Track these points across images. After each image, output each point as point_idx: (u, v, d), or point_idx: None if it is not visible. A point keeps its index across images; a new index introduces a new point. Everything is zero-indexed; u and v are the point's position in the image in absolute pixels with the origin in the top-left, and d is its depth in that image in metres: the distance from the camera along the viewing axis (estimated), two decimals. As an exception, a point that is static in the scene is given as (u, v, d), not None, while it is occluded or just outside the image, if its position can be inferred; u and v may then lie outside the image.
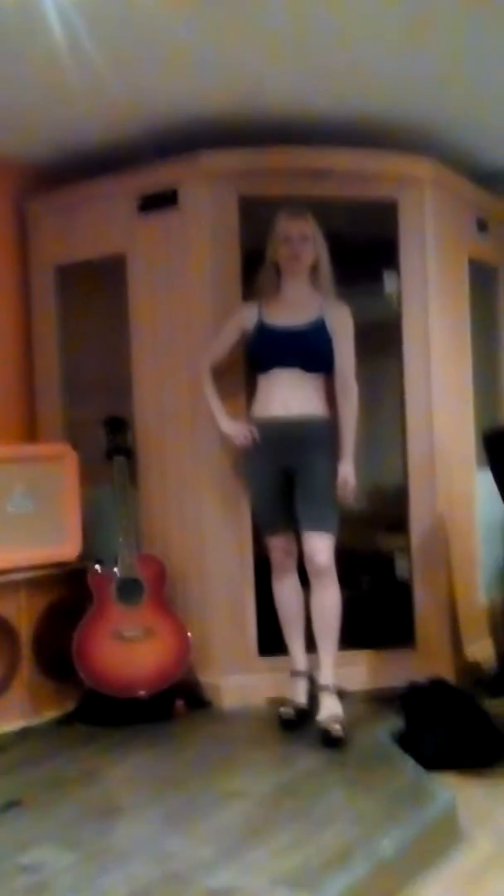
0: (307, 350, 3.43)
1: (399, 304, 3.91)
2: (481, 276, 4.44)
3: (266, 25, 3.04)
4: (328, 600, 3.37)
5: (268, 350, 3.47)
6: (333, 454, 3.41)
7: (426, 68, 3.40)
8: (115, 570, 3.64)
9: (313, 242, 3.46)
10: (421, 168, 3.91)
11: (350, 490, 3.38)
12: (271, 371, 3.46)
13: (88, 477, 3.82)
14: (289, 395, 3.43)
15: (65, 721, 3.58)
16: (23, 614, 3.56)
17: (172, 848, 2.42)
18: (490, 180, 4.49)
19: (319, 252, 3.48)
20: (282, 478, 3.46)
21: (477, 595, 4.27)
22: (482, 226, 4.45)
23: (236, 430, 3.53)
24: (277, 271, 3.53)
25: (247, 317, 3.54)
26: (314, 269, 3.50)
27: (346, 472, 3.38)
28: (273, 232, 3.49)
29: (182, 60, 3.26)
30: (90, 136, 3.90)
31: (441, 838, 2.61)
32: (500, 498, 3.60)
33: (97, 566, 3.66)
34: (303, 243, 3.44)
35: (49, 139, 3.94)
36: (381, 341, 4.00)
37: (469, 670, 4.03)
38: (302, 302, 3.49)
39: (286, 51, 3.23)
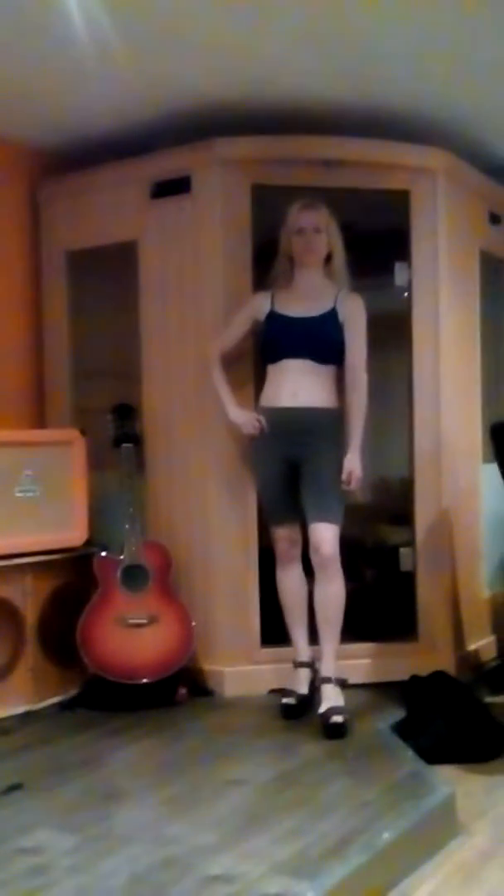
0: (318, 340, 3.42)
1: (409, 295, 3.91)
2: (493, 269, 4.43)
3: (282, 14, 3.03)
4: (332, 591, 3.36)
5: (279, 339, 3.46)
6: (341, 445, 3.40)
7: (441, 61, 3.38)
8: (121, 556, 3.65)
9: (327, 233, 3.45)
10: (434, 159, 3.89)
11: (355, 481, 3.38)
12: (281, 361, 3.45)
13: (96, 463, 3.83)
14: (298, 386, 3.42)
15: (68, 706, 3.59)
16: (28, 599, 3.57)
17: (173, 833, 2.42)
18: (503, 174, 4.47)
19: (334, 243, 3.47)
20: (288, 468, 3.45)
21: (480, 589, 4.27)
22: (495, 219, 4.44)
23: (244, 419, 3.53)
24: (291, 262, 3.52)
25: (259, 306, 3.53)
26: (328, 260, 3.49)
27: (353, 463, 3.37)
28: (287, 223, 3.48)
29: (197, 48, 3.25)
30: (104, 122, 3.88)
31: (439, 830, 2.62)
32: (505, 492, 3.60)
33: (103, 552, 3.68)
34: (316, 235, 3.44)
35: (63, 124, 3.94)
36: (391, 333, 3.99)
37: (471, 664, 4.04)
38: (315, 293, 3.48)
39: (302, 40, 3.22)
